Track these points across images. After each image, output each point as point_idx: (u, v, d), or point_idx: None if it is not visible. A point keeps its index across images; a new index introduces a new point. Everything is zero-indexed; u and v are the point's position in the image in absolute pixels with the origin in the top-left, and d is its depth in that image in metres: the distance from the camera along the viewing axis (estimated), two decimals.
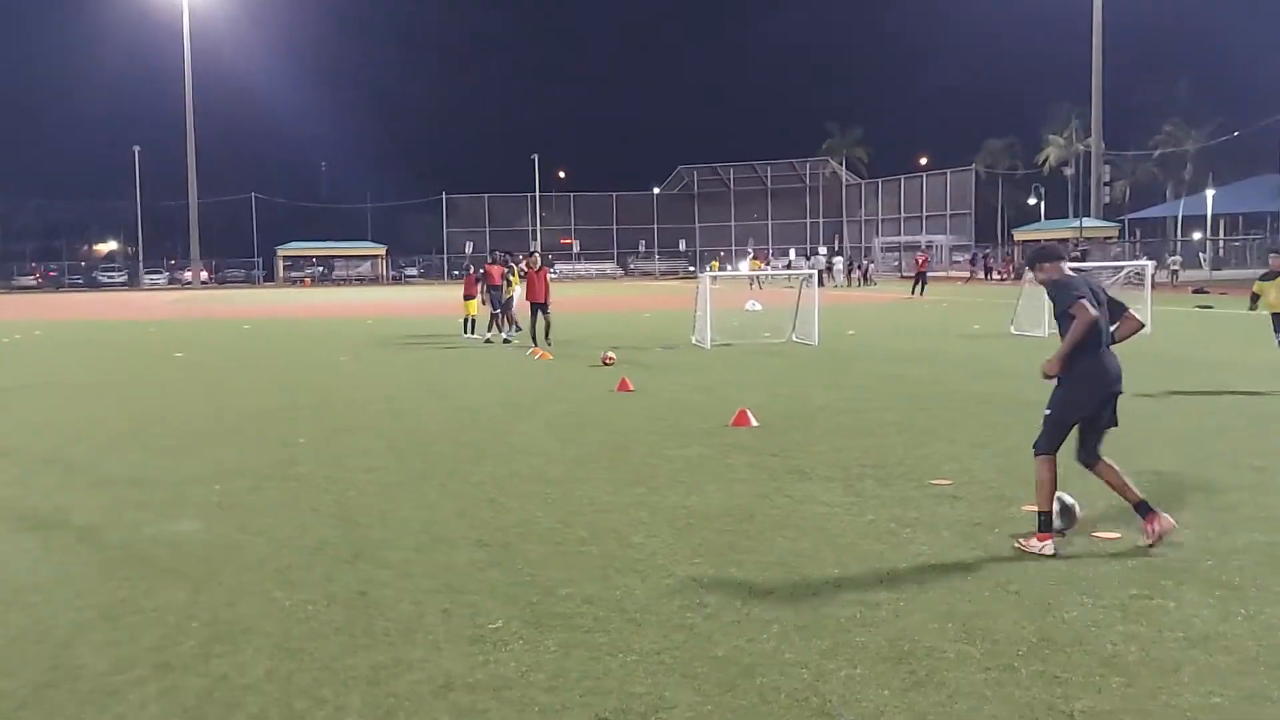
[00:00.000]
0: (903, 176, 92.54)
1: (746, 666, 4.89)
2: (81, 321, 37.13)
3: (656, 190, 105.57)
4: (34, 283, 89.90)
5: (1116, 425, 6.86)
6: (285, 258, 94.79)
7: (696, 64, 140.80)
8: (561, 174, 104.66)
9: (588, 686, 4.71)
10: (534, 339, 22.27)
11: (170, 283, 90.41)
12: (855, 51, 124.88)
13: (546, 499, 8.33)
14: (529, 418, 12.71)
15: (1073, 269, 7.53)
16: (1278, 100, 61.35)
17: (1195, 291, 43.98)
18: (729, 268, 72.81)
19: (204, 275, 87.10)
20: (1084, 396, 6.68)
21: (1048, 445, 6.73)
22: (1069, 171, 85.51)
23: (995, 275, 69.60)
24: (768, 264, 69.64)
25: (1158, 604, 5.64)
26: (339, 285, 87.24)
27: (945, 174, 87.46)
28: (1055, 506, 6.72)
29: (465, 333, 25.64)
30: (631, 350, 20.96)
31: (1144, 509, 6.65)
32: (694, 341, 22.54)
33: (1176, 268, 57.05)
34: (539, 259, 23.76)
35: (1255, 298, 15.52)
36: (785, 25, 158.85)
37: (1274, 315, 15.47)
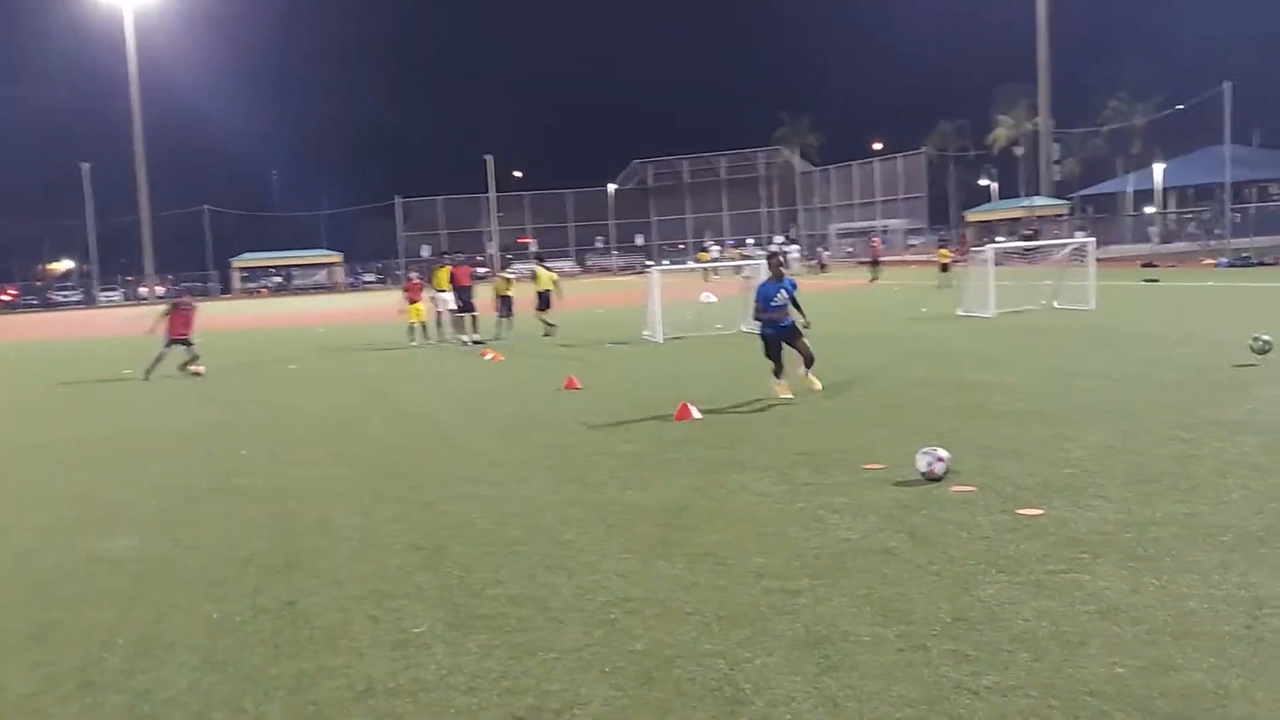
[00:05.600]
0: (854, 163, 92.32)
1: (665, 659, 4.95)
2: (41, 342, 36.47)
3: (612, 186, 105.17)
4: None
5: None
6: (240, 269, 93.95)
7: (646, 58, 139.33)
8: (517, 174, 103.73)
9: (505, 686, 4.75)
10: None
11: (126, 299, 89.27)
12: (804, 37, 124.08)
13: (485, 501, 8.35)
14: (475, 420, 12.71)
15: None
16: (1220, 71, 61.87)
17: (1144, 265, 44.45)
18: (715, 253, 70.13)
19: (160, 290, 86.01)
20: None
21: None
22: (1019, 151, 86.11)
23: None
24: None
25: (1072, 578, 5.75)
26: (297, 294, 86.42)
27: (896, 158, 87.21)
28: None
29: (411, 339, 25.27)
30: (582, 348, 20.99)
31: None
32: (645, 336, 22.58)
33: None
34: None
35: None
36: (733, 13, 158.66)
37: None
